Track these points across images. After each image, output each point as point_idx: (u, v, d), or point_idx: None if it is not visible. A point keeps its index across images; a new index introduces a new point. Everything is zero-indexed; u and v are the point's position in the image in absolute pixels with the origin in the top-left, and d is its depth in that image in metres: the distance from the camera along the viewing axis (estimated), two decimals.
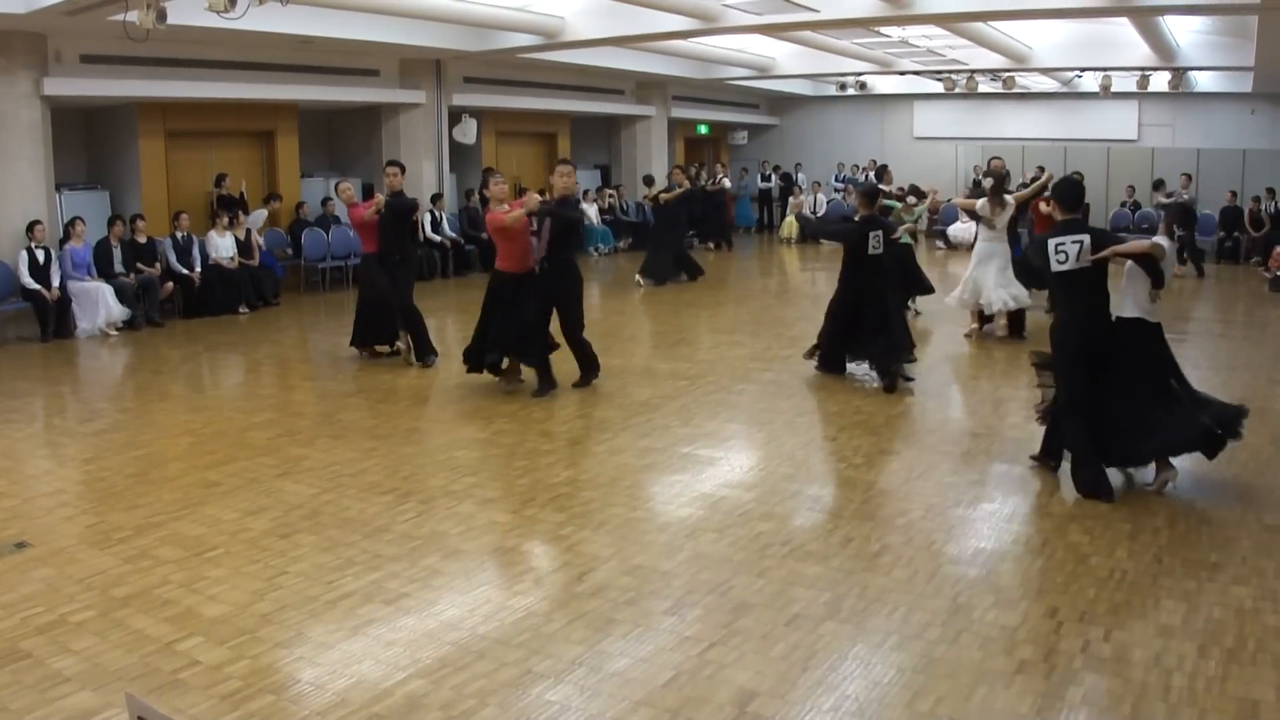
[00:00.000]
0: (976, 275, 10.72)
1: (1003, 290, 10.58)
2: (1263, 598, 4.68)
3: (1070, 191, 6.30)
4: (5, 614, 4.61)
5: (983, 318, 11.12)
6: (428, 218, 16.29)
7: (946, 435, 7.61)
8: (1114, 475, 6.20)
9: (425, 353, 9.91)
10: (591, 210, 19.41)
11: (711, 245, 21.10)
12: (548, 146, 20.75)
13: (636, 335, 12.13)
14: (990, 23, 15.12)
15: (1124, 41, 16.62)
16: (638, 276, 15.59)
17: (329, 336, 12.21)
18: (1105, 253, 6.03)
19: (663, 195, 16.08)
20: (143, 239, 12.81)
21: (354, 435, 7.62)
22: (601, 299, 14.44)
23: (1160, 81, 19.50)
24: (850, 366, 9.32)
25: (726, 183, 22.15)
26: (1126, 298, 6.17)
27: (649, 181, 19.19)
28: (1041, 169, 21.00)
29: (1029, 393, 8.75)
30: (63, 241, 12.05)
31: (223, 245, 13.45)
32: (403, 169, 10.13)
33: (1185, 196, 18.68)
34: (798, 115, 26.21)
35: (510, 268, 8.54)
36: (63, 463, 7.16)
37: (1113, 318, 6.18)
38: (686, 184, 16.61)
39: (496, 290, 8.62)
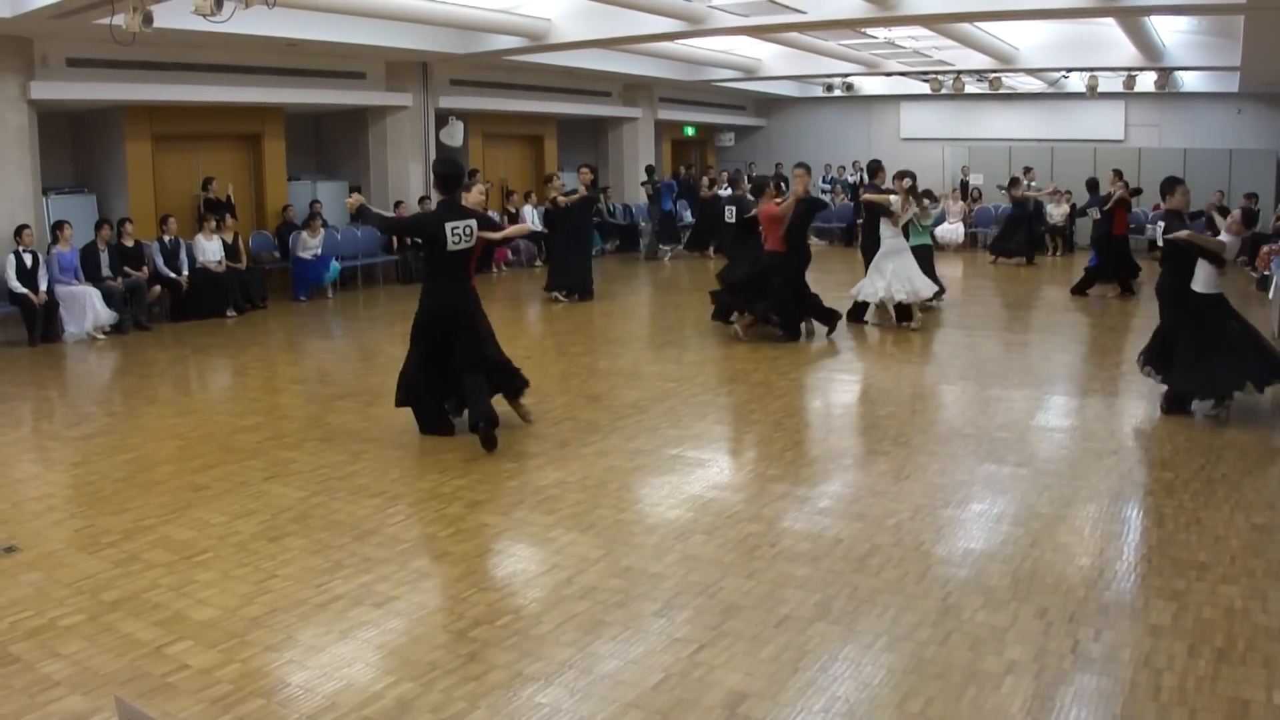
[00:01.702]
0: (880, 268, 11.67)
1: (899, 282, 11.53)
2: (1252, 597, 4.69)
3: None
4: None
5: (899, 309, 11.90)
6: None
7: (934, 436, 7.62)
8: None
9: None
10: None
11: (711, 251, 21.02)
12: (534, 149, 20.77)
13: (622, 337, 12.13)
14: (976, 23, 15.17)
15: (1110, 42, 16.72)
16: (556, 294, 14.35)
17: (316, 340, 12.19)
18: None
19: (561, 199, 14.39)
20: (130, 242, 12.75)
21: (342, 438, 7.60)
22: (585, 301, 14.41)
23: (1147, 82, 19.60)
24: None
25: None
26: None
27: (650, 171, 19.12)
28: (1028, 169, 21.19)
29: (1016, 393, 8.80)
30: (50, 245, 12.01)
31: (210, 249, 13.41)
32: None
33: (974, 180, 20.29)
34: (784, 117, 26.25)
35: (776, 248, 10.88)
36: (51, 467, 7.12)
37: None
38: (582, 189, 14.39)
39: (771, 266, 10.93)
